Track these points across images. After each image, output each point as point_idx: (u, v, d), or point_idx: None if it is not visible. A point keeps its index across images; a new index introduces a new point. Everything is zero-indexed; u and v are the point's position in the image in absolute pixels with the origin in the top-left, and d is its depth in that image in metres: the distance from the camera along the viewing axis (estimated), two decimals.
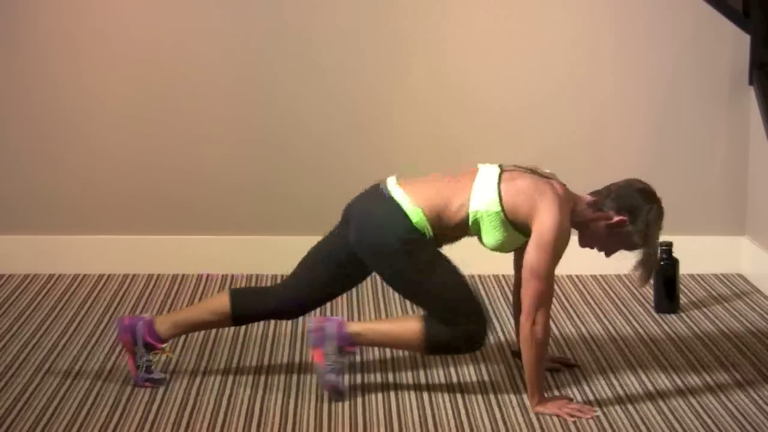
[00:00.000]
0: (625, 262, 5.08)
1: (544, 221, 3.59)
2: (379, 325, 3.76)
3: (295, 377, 3.90)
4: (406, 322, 3.72)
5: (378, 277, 4.16)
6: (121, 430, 3.51)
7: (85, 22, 4.90)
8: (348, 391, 3.74)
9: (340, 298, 4.70)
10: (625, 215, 3.70)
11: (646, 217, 3.71)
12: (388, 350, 4.12)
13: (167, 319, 3.84)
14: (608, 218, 3.71)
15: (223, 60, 4.94)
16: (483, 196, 3.66)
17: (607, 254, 3.81)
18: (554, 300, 4.71)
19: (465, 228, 3.71)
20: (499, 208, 3.65)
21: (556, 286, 4.87)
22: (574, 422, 3.55)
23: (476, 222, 3.68)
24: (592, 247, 3.80)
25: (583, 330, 4.37)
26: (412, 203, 3.70)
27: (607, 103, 4.98)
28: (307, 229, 5.02)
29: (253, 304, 3.85)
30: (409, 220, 3.67)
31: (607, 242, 3.75)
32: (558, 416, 3.59)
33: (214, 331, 4.33)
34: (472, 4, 4.90)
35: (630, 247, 3.74)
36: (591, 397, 3.73)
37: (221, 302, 3.83)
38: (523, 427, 3.53)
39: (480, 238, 3.73)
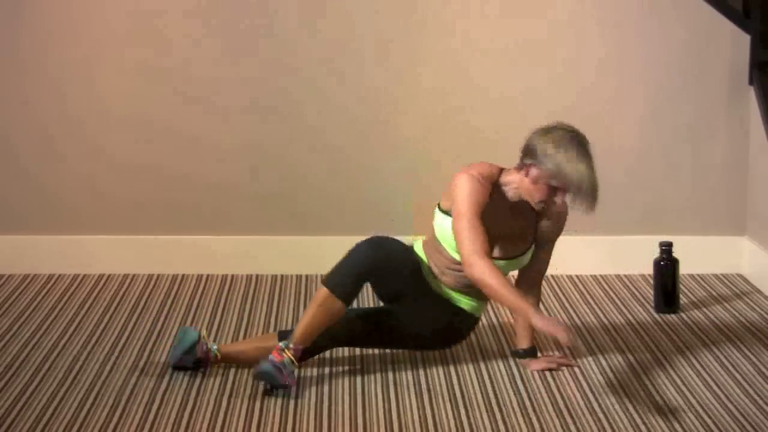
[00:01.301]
0: (625, 261, 5.09)
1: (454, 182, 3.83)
2: (239, 346, 3.97)
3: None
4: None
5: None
6: (121, 430, 3.51)
7: (88, 22, 4.90)
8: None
9: None
10: (528, 160, 3.77)
11: (546, 150, 3.73)
12: (388, 349, 4.11)
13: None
14: (522, 172, 3.81)
15: (223, 60, 4.93)
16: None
17: (553, 204, 3.82)
18: (554, 300, 4.71)
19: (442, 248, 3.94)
20: (437, 208, 3.94)
21: (556, 286, 4.87)
22: (573, 419, 3.55)
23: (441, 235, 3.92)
24: (542, 205, 3.83)
25: (583, 330, 4.37)
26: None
27: (607, 103, 4.98)
28: (307, 230, 5.02)
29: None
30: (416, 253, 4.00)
31: (539, 193, 3.78)
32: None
33: (213, 330, 4.34)
34: (473, 4, 4.90)
35: (561, 187, 3.75)
36: (590, 397, 3.73)
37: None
38: (523, 427, 3.53)
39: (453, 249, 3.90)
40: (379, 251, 3.84)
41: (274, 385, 3.73)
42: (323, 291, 3.79)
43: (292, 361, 3.73)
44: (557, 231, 3.95)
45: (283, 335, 3.91)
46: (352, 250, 3.84)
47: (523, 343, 4.00)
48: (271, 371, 3.69)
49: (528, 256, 3.92)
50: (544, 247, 3.95)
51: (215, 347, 3.93)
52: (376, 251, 3.83)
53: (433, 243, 3.95)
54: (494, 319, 4.47)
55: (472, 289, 3.89)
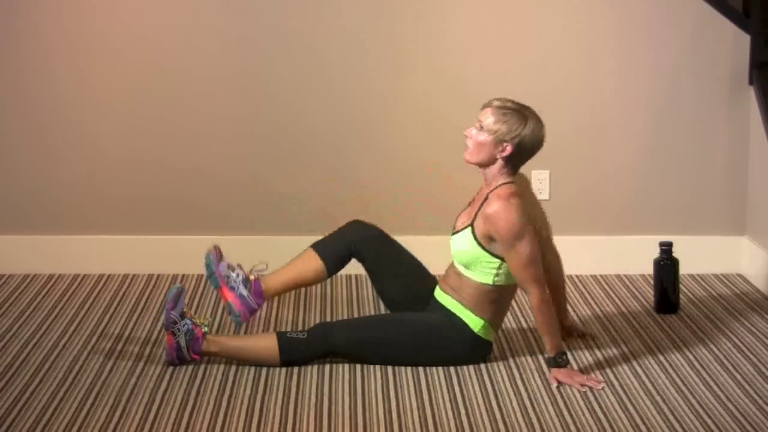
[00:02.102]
0: (625, 261, 5.09)
1: None
2: (233, 340, 4.06)
3: (295, 377, 3.90)
4: (261, 338, 4.04)
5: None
6: (121, 430, 3.51)
7: (85, 20, 4.90)
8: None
9: (340, 296, 4.71)
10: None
11: None
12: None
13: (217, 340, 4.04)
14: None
15: (223, 59, 4.93)
16: None
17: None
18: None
19: None
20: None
21: None
22: (573, 419, 3.55)
23: None
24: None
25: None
26: None
27: (607, 103, 4.98)
28: (307, 229, 5.02)
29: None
30: None
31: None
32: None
33: (213, 330, 4.34)
34: (474, 4, 4.90)
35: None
36: (591, 397, 3.74)
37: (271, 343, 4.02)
38: (523, 427, 3.53)
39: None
40: (374, 230, 4.18)
41: (209, 270, 4.02)
42: (307, 250, 4.15)
43: (247, 279, 4.06)
44: (489, 230, 3.88)
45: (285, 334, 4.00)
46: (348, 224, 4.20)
47: (550, 351, 3.90)
48: (210, 256, 4.05)
49: (461, 238, 3.95)
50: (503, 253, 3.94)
51: (206, 328, 3.99)
52: (370, 228, 4.18)
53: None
54: None
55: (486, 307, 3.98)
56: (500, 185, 3.91)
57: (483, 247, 3.90)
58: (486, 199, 3.91)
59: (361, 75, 4.95)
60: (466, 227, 3.95)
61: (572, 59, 4.95)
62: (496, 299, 3.96)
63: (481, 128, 3.91)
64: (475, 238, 3.90)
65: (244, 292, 4.03)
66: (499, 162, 3.91)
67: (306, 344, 3.95)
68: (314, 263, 4.12)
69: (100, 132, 4.98)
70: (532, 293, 3.85)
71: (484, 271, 3.93)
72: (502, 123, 3.89)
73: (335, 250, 4.14)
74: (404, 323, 4.00)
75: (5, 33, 4.91)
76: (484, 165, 3.93)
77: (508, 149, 3.88)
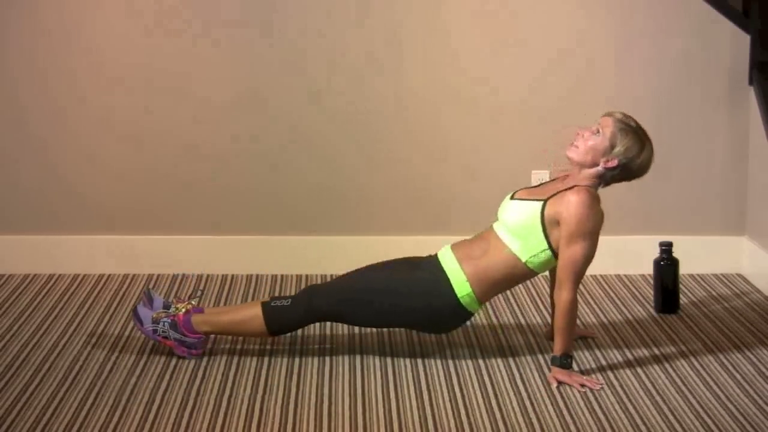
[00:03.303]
0: (625, 261, 5.09)
1: None
2: (222, 316, 4.08)
3: (295, 377, 3.90)
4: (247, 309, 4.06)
5: None
6: (121, 430, 3.51)
7: (84, 24, 4.89)
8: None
9: None
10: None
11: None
12: (388, 349, 4.12)
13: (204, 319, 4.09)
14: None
15: (220, 60, 4.93)
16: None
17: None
18: None
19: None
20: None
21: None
22: (573, 419, 3.56)
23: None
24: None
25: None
26: None
27: (607, 103, 4.97)
28: (307, 230, 5.03)
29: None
30: None
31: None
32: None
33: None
34: (474, 5, 4.90)
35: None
36: (591, 397, 3.74)
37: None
38: (523, 427, 3.53)
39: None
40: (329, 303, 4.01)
41: (136, 318, 4.07)
42: (258, 314, 4.01)
43: (173, 322, 4.02)
44: (562, 212, 3.87)
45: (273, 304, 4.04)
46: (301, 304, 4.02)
47: (558, 351, 3.90)
48: (137, 312, 4.06)
49: (524, 207, 3.93)
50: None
51: (184, 310, 4.07)
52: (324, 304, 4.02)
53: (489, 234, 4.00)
54: (494, 320, 4.47)
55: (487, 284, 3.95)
56: (588, 186, 3.92)
57: (543, 227, 3.89)
58: (572, 188, 3.90)
59: (356, 78, 4.94)
60: (537, 200, 3.92)
61: (571, 59, 4.95)
62: (508, 278, 3.94)
63: (598, 133, 3.91)
64: (542, 215, 3.89)
65: (177, 336, 4.03)
66: (598, 170, 3.92)
67: (291, 311, 3.98)
68: (258, 327, 4.04)
69: (100, 132, 4.98)
70: (567, 290, 3.84)
71: (527, 248, 3.90)
72: (620, 137, 3.90)
73: (287, 328, 4.07)
74: (389, 288, 3.96)
75: (4, 35, 4.90)
76: (583, 167, 3.93)
77: (614, 163, 3.90)
